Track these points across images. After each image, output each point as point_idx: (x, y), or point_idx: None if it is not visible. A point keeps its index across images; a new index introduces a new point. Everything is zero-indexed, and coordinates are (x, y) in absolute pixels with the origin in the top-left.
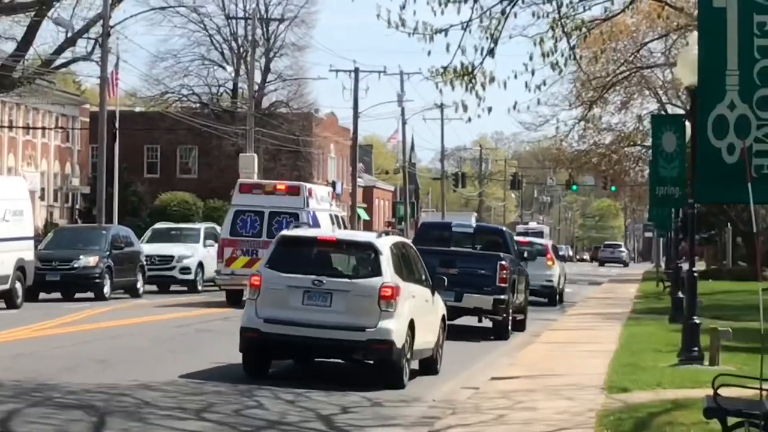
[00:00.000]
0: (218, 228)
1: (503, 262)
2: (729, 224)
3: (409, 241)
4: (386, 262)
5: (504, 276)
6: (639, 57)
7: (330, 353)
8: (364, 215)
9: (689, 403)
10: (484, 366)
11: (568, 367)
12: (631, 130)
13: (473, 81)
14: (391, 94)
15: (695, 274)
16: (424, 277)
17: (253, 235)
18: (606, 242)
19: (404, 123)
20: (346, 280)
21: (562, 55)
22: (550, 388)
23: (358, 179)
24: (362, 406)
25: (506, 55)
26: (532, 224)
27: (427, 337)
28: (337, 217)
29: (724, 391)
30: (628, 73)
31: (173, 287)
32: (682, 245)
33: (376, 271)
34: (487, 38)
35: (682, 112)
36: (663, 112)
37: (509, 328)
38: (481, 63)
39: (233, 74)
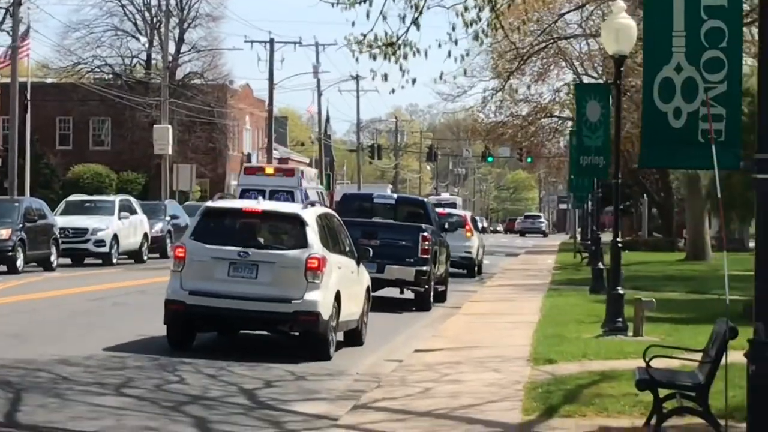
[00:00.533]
0: (133, 200)
1: (425, 234)
2: (644, 195)
3: (334, 212)
4: (312, 233)
5: (426, 247)
6: (555, 28)
7: (256, 325)
8: None
9: (617, 375)
10: (407, 338)
11: (491, 338)
12: (547, 102)
13: (397, 52)
14: (306, 65)
15: (619, 245)
16: (349, 248)
17: None
18: (526, 213)
19: (320, 95)
20: (273, 251)
21: (488, 24)
22: (475, 360)
23: (274, 151)
24: (286, 380)
25: (429, 27)
26: (444, 195)
27: (352, 309)
28: (321, 193)
29: (652, 362)
30: (544, 44)
31: (87, 260)
32: (601, 216)
33: (303, 243)
34: (411, 7)
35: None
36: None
37: (431, 299)
38: (405, 33)
39: (147, 45)
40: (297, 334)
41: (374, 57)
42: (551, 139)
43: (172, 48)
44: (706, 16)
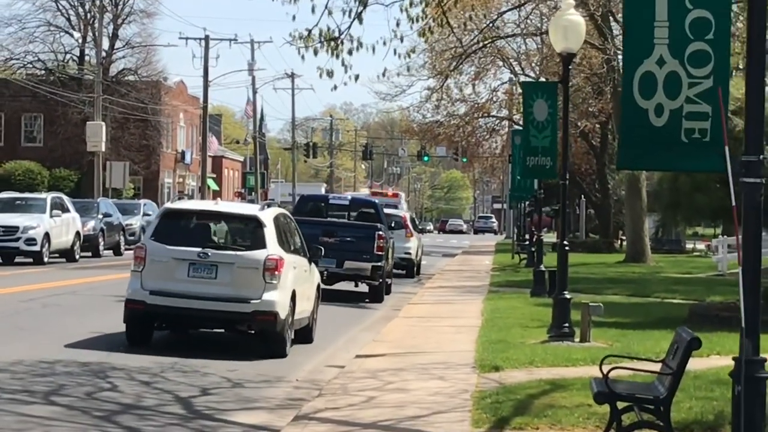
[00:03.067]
0: (65, 198)
1: (380, 232)
2: (582, 196)
3: (288, 213)
4: (270, 234)
5: (381, 245)
6: (493, 28)
7: (215, 325)
8: (213, 185)
9: (567, 384)
10: (347, 342)
11: (434, 343)
12: (484, 101)
13: (339, 47)
14: (242, 63)
15: (566, 247)
16: (302, 248)
17: None
18: (480, 215)
19: (255, 92)
20: (231, 252)
21: (433, 20)
22: (419, 366)
23: (208, 149)
24: (222, 388)
25: (372, 25)
26: (363, 191)
27: (305, 306)
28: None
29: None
30: (482, 44)
31: (18, 259)
32: (534, 216)
33: (261, 244)
34: (355, 1)
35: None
36: (515, 84)
37: (383, 292)
38: (349, 27)
39: (80, 41)
40: (253, 332)
41: (317, 52)
42: (488, 139)
43: (105, 44)
44: (692, 6)
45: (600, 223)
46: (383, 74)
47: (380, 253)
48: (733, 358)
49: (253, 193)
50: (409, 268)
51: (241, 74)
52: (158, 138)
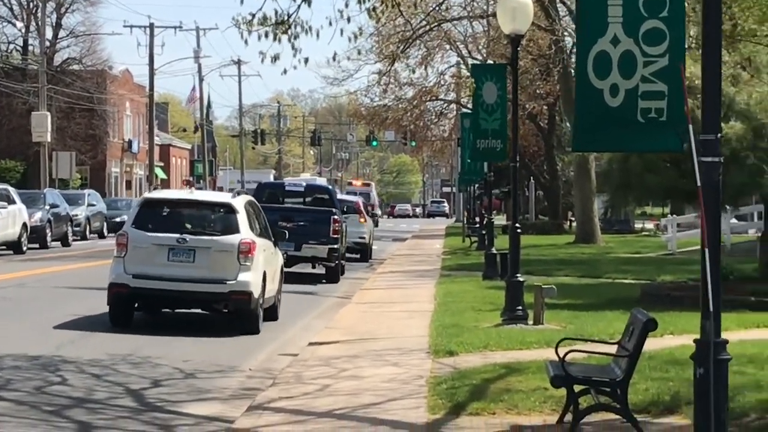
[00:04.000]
0: (11, 189)
1: (335, 217)
2: (531, 178)
3: (254, 200)
4: (243, 220)
5: (336, 228)
6: (440, 11)
7: (194, 305)
8: (161, 174)
9: (522, 367)
10: (300, 330)
11: (387, 329)
12: (432, 85)
13: (288, 30)
14: (187, 50)
15: (518, 230)
16: (267, 231)
17: None
18: (432, 199)
19: (201, 80)
20: (208, 237)
21: (381, 2)
22: (373, 353)
23: (155, 137)
24: (174, 378)
25: (320, 9)
26: (305, 176)
27: (272, 286)
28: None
29: (552, 351)
30: (429, 27)
31: None
32: (483, 199)
33: (235, 229)
34: None
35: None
36: (463, 67)
37: (339, 273)
38: (297, 10)
39: (23, 30)
40: (228, 311)
41: (266, 35)
42: (436, 123)
43: (49, 33)
44: None
45: (549, 204)
46: (333, 58)
47: (336, 236)
48: (694, 340)
49: (201, 181)
50: (363, 252)
51: (188, 62)
52: (104, 127)
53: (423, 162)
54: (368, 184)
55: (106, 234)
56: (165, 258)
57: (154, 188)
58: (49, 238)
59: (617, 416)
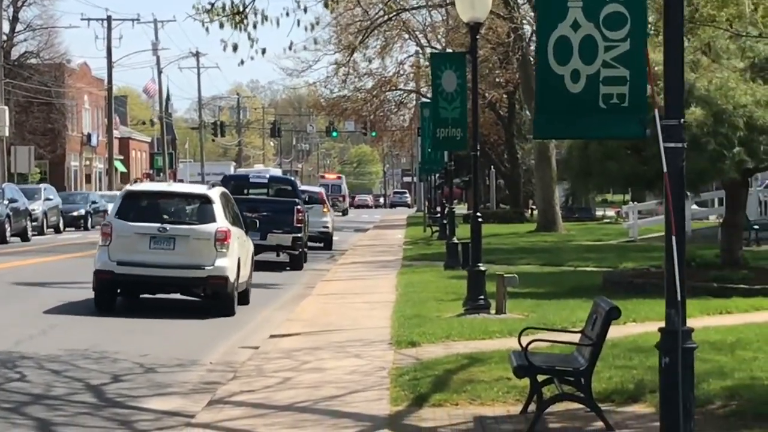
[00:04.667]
0: None
1: (299, 207)
2: (491, 167)
3: (227, 191)
4: (219, 209)
5: (300, 218)
6: (398, 0)
7: (174, 289)
8: (121, 167)
9: (485, 357)
10: (261, 322)
11: (349, 320)
12: (391, 75)
13: (245, 20)
14: (145, 43)
15: (479, 219)
16: (239, 220)
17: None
18: (395, 190)
19: (160, 72)
20: (186, 226)
21: None
22: (334, 344)
23: (114, 131)
24: (134, 373)
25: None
26: (258, 167)
27: (245, 271)
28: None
29: (515, 341)
30: (387, 17)
31: None
32: (444, 189)
33: (212, 218)
34: None
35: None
36: (422, 56)
37: (302, 260)
38: (253, 1)
39: None
40: (205, 294)
41: (221, 26)
42: (396, 113)
43: (6, 27)
44: None
45: (510, 193)
46: (290, 47)
47: (299, 225)
48: (659, 329)
49: (161, 174)
50: (327, 241)
51: (146, 55)
52: (63, 121)
53: (383, 152)
54: (340, 177)
55: (62, 228)
56: (147, 246)
57: (135, 181)
58: (8, 234)
59: (581, 405)
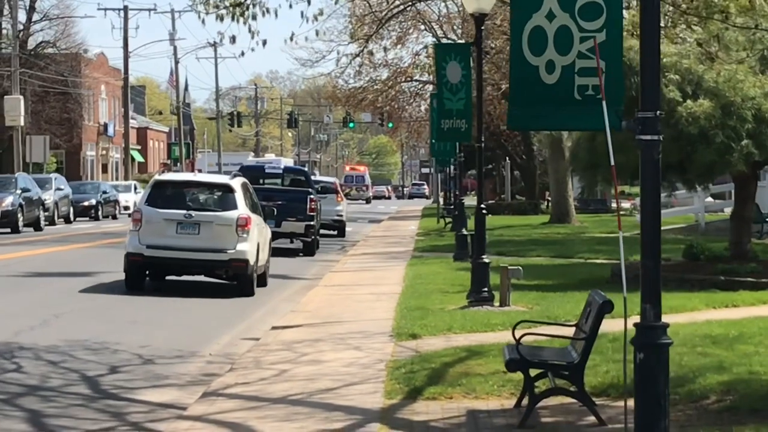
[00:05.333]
0: None
1: (312, 196)
2: (507, 158)
3: (247, 181)
4: (240, 198)
5: (313, 207)
6: None
7: (199, 271)
8: (138, 157)
9: (484, 350)
10: (265, 314)
11: (353, 312)
12: (407, 66)
13: (245, 12)
14: (162, 33)
15: (484, 211)
16: (258, 208)
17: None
18: (413, 182)
19: (177, 62)
20: (211, 213)
21: None
22: (336, 336)
23: (131, 120)
24: (133, 365)
25: None
26: (269, 156)
27: (263, 255)
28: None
29: (523, 338)
30: (403, 7)
31: None
32: (463, 180)
33: (233, 206)
34: None
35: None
36: None
37: (315, 247)
38: None
39: None
40: (228, 276)
41: (221, 18)
42: (412, 103)
43: (22, 17)
44: None
45: (525, 184)
46: (291, 38)
47: (312, 213)
48: (634, 324)
49: (178, 164)
50: (340, 229)
51: (163, 45)
52: (79, 111)
53: (401, 143)
54: (363, 169)
55: (72, 219)
56: (174, 231)
57: (162, 172)
58: (20, 223)
59: (575, 399)
